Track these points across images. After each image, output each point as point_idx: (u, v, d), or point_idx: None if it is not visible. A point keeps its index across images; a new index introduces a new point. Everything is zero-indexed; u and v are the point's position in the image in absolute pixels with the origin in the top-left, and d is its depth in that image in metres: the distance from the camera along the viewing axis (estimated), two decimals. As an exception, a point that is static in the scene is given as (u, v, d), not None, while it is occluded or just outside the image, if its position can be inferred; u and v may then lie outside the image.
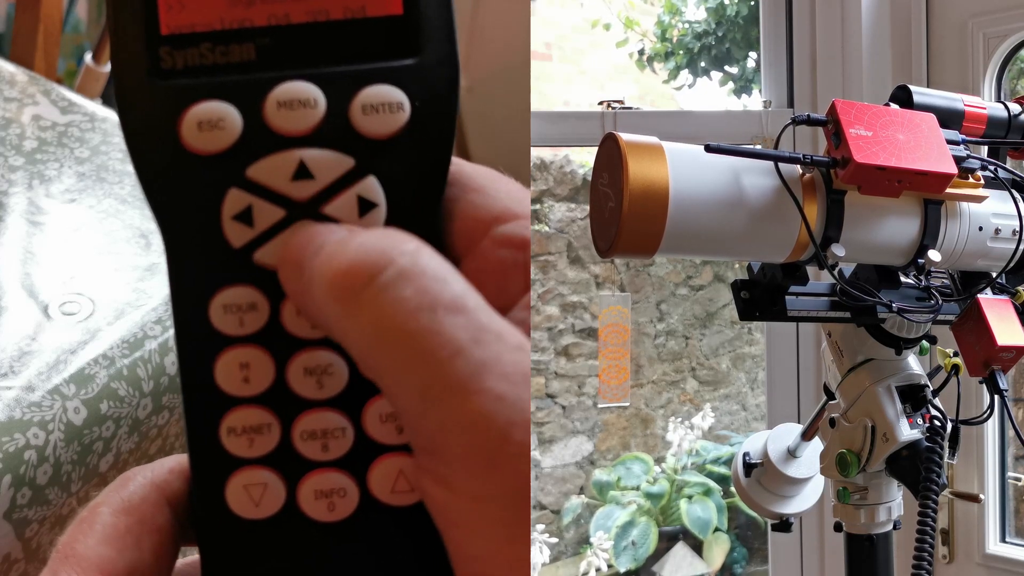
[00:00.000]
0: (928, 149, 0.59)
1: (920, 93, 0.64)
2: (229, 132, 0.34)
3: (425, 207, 0.36)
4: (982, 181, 0.63)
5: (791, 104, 1.35)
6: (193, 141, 0.34)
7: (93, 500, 0.35)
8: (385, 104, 0.35)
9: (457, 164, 0.37)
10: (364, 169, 0.35)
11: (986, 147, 0.68)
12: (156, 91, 0.34)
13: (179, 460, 0.36)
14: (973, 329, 0.64)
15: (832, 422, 0.70)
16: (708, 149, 0.56)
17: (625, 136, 0.55)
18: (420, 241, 0.33)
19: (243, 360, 0.35)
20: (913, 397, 0.67)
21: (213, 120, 0.34)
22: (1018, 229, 0.65)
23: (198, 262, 0.35)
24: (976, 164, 0.63)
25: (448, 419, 0.31)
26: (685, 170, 0.56)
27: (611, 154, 0.56)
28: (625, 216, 0.54)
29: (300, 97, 0.34)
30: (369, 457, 0.35)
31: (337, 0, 0.35)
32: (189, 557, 0.37)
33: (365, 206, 0.35)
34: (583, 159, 2.67)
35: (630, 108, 1.34)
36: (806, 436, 0.79)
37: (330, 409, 0.35)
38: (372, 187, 0.35)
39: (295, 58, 0.35)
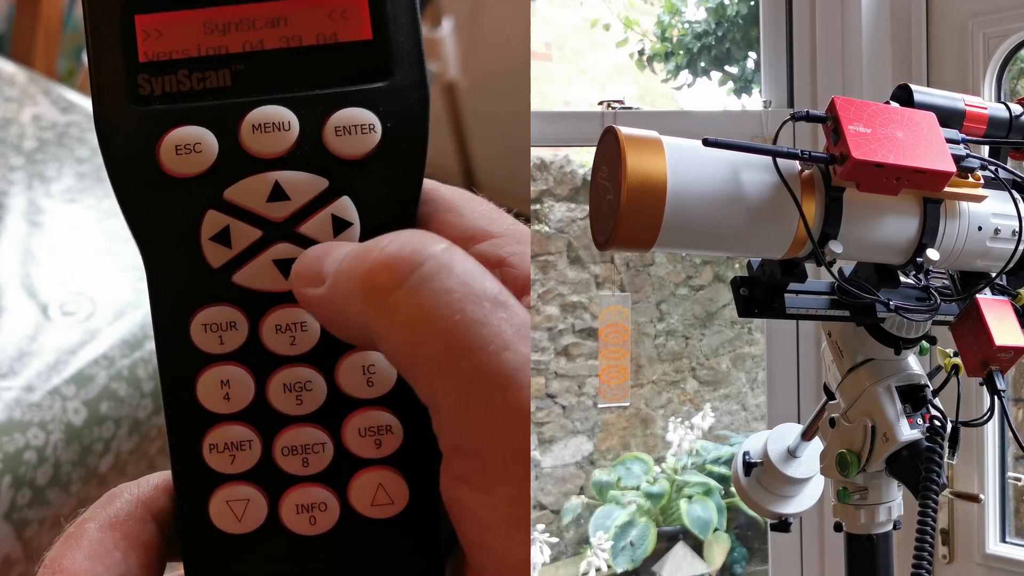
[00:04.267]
0: (927, 147, 0.59)
1: (921, 92, 0.64)
2: (206, 156, 0.35)
3: (399, 225, 0.36)
4: (982, 181, 0.63)
5: (791, 104, 1.35)
6: (171, 165, 0.35)
7: (79, 516, 0.35)
8: (357, 126, 0.36)
9: (432, 186, 0.37)
10: (338, 189, 0.36)
11: (987, 147, 0.68)
12: (135, 117, 0.35)
13: (165, 476, 0.37)
14: (972, 329, 0.64)
15: (832, 422, 0.70)
16: (706, 143, 0.56)
17: (624, 130, 0.56)
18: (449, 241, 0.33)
19: (224, 377, 0.35)
20: (913, 397, 0.66)
21: (190, 144, 0.35)
22: (1018, 229, 0.64)
23: (178, 282, 0.36)
24: (976, 163, 0.63)
25: (494, 416, 0.30)
26: (683, 164, 0.56)
27: (610, 147, 0.56)
28: (623, 209, 0.54)
29: (274, 120, 0.35)
30: (349, 471, 0.36)
31: (309, 26, 0.36)
32: (175, 573, 0.37)
33: (340, 225, 0.36)
34: (583, 159, 2.67)
35: (630, 108, 1.34)
36: (806, 436, 0.79)
37: (310, 424, 0.36)
38: (346, 207, 0.36)
39: (269, 83, 0.36)
